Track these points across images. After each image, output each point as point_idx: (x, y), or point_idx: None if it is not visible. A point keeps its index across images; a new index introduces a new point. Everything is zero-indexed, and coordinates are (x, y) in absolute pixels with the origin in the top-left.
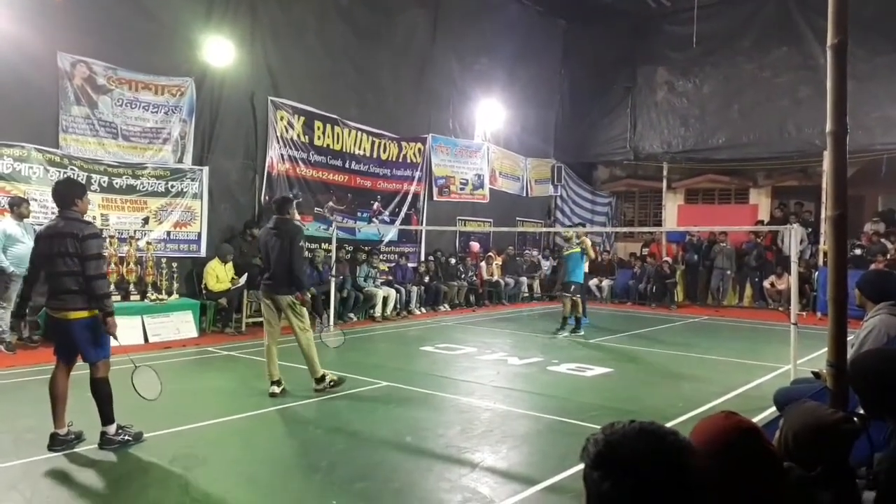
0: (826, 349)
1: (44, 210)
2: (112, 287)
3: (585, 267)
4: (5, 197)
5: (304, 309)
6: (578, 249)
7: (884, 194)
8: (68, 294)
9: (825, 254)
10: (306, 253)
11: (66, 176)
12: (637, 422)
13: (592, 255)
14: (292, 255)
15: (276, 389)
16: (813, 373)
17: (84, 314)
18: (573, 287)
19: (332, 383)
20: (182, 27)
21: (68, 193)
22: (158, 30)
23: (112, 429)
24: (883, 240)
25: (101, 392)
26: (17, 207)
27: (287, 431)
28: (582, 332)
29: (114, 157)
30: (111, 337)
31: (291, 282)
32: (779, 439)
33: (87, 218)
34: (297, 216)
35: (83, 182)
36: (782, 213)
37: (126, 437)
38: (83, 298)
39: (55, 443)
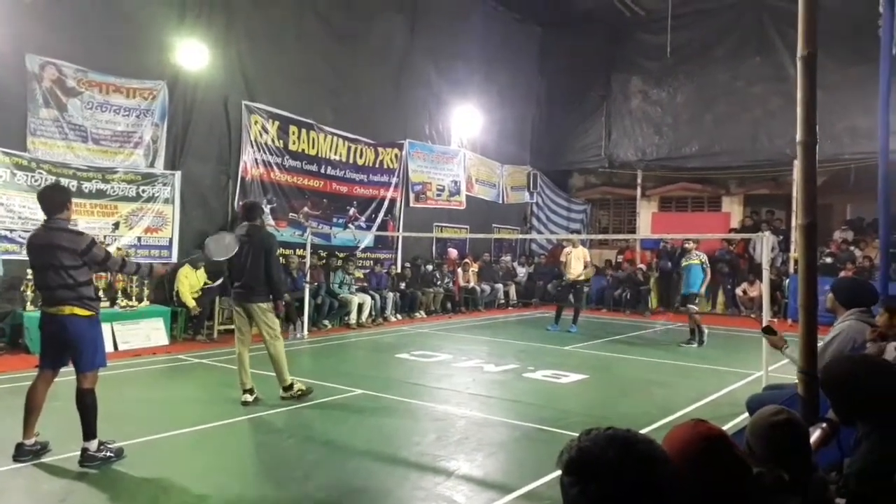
0: (797, 355)
1: (10, 214)
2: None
3: (705, 280)
4: None
5: (275, 316)
6: (698, 261)
7: (852, 203)
8: (64, 302)
9: (796, 261)
10: (281, 259)
11: (54, 181)
12: (612, 429)
13: (709, 273)
14: (269, 264)
15: (249, 398)
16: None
17: (82, 312)
18: (697, 298)
19: (299, 392)
20: (155, 29)
21: (56, 199)
22: (130, 31)
23: (93, 445)
24: (852, 247)
25: (88, 404)
26: None
27: (260, 441)
28: (703, 341)
29: (83, 161)
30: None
31: (269, 291)
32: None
33: (72, 225)
34: (272, 222)
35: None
36: (754, 221)
37: (108, 454)
38: (80, 302)
39: (21, 453)
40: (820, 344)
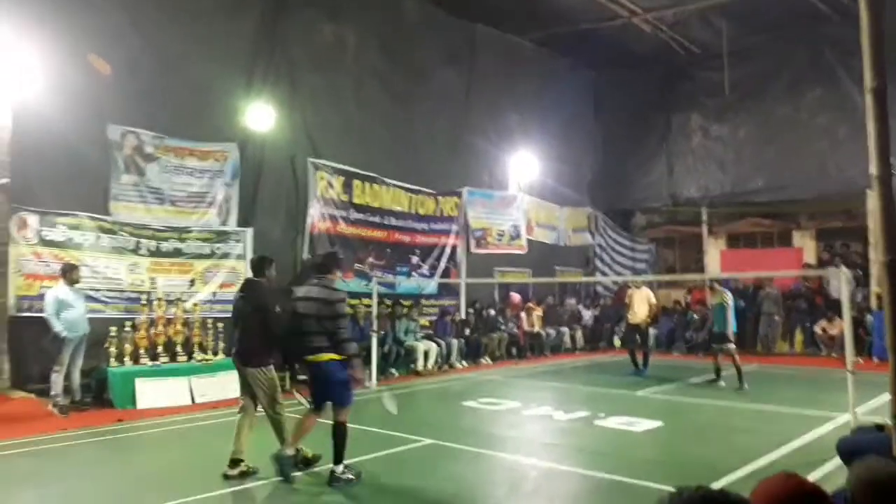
0: (886, 397)
1: (95, 276)
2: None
3: (729, 316)
4: (58, 263)
5: (274, 382)
6: (720, 300)
7: None
8: (319, 346)
9: (878, 297)
10: (348, 308)
11: (330, 251)
12: (702, 488)
13: (728, 305)
14: (267, 321)
15: (309, 454)
16: (876, 425)
17: (334, 356)
18: (722, 338)
19: (240, 474)
20: (225, 95)
21: (328, 264)
22: (203, 99)
23: (339, 468)
24: None
25: (339, 435)
26: (70, 273)
27: (330, 491)
28: (746, 387)
29: (161, 222)
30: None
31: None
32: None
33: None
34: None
35: (134, 247)
36: (830, 255)
37: (349, 476)
38: (330, 346)
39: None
40: None
